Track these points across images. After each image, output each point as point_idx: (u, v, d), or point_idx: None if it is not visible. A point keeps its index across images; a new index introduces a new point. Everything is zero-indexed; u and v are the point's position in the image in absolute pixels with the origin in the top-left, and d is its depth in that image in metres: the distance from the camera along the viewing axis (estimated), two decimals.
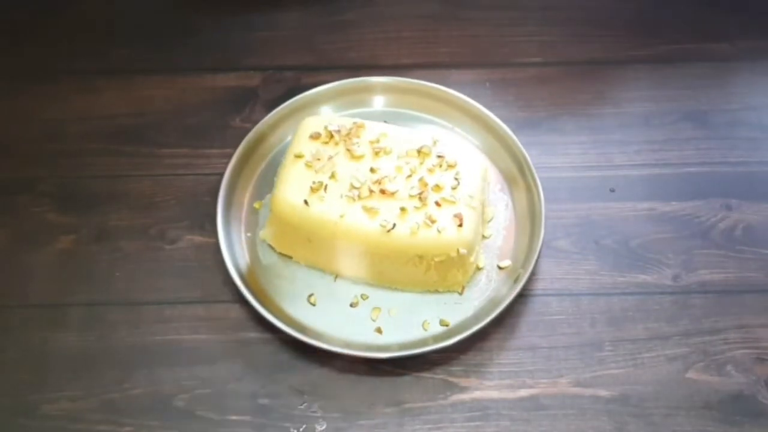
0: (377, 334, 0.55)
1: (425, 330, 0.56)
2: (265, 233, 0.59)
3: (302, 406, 0.53)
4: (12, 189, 0.63)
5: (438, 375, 0.54)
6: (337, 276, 0.58)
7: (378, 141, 0.59)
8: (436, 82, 0.67)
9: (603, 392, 0.53)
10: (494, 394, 0.53)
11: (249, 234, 0.60)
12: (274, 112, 0.65)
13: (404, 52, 0.72)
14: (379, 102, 0.68)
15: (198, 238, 0.60)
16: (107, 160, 0.65)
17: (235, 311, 0.56)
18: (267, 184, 0.62)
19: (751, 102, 0.69)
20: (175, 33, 0.74)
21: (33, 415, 0.52)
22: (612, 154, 0.65)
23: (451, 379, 0.54)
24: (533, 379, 0.54)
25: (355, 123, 0.59)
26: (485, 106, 0.65)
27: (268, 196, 0.61)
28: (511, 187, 0.63)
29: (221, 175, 0.61)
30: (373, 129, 0.60)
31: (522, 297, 0.57)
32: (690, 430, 0.52)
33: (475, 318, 0.55)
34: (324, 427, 0.52)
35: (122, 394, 0.53)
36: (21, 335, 0.56)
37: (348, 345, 0.54)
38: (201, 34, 0.74)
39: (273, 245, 0.59)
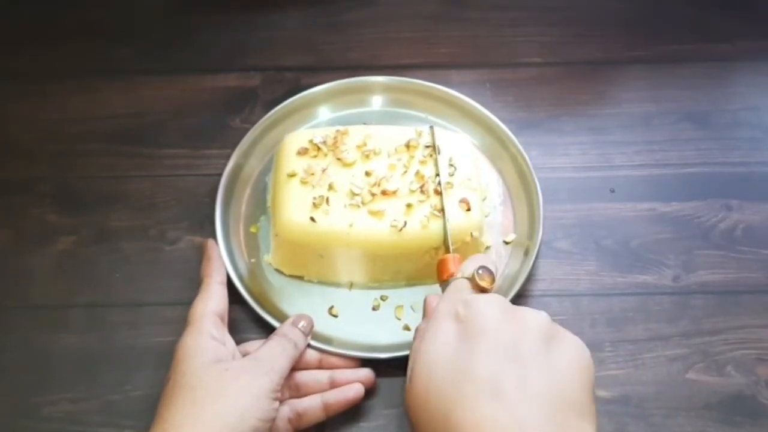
0: (406, 331, 0.55)
1: None
2: (271, 258, 0.58)
3: None
4: (12, 189, 0.63)
5: None
6: (352, 285, 0.58)
7: (365, 144, 0.58)
8: (436, 82, 0.67)
9: (603, 393, 0.53)
10: None
11: (253, 260, 0.58)
12: (274, 111, 0.65)
13: (404, 52, 0.72)
14: (378, 102, 0.68)
15: (198, 239, 0.60)
16: (107, 161, 0.65)
17: (236, 312, 0.55)
18: (265, 187, 0.62)
19: (751, 102, 0.69)
20: (175, 33, 0.74)
21: (34, 417, 0.52)
22: (612, 155, 0.65)
23: None
24: None
25: (338, 131, 0.59)
26: (485, 106, 0.65)
27: (262, 218, 0.60)
28: (501, 170, 0.63)
29: (221, 175, 0.61)
30: (356, 133, 0.59)
31: (522, 297, 0.57)
32: (690, 431, 0.52)
33: None
34: (324, 429, 0.52)
35: (123, 396, 0.53)
36: (21, 336, 0.56)
37: (377, 348, 0.54)
38: (201, 34, 0.74)
39: (281, 269, 0.58)
